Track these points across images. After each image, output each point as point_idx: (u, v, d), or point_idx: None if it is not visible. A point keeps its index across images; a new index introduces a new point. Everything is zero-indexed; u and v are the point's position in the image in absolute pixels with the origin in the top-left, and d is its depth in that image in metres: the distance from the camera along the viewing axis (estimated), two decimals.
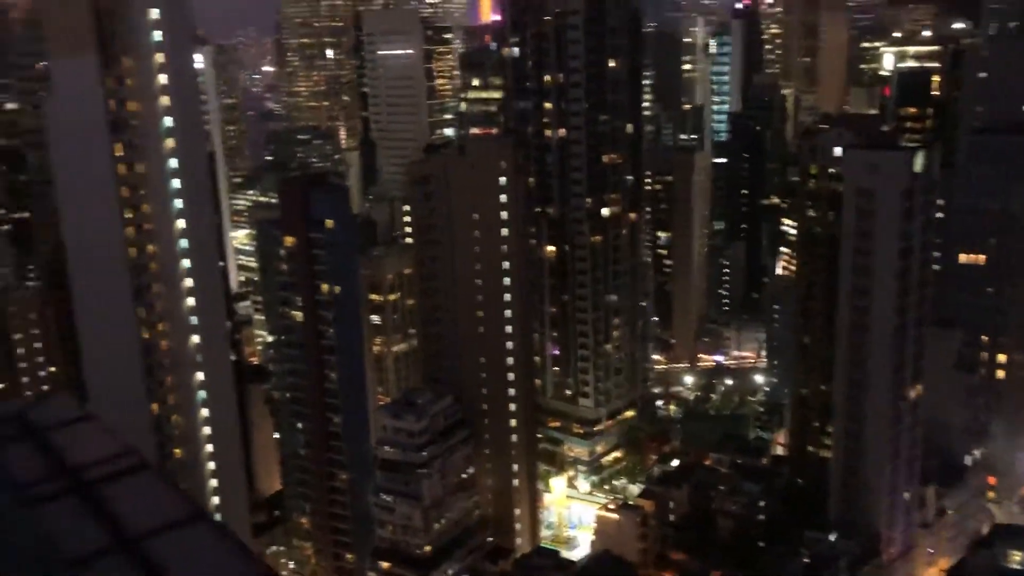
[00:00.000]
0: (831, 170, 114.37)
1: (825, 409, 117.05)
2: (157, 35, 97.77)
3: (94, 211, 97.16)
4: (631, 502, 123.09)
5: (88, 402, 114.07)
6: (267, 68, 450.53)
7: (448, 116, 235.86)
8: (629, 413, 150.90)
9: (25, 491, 3.48)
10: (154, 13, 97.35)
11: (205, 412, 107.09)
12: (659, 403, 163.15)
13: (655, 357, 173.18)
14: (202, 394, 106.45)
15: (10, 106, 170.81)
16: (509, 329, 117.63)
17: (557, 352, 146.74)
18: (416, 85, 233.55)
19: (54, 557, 3.09)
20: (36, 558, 2.90)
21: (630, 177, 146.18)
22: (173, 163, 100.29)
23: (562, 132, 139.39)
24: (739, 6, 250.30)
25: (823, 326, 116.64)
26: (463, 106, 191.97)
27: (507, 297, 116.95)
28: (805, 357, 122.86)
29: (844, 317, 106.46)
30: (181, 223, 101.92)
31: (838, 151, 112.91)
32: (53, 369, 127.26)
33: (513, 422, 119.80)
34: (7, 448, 3.66)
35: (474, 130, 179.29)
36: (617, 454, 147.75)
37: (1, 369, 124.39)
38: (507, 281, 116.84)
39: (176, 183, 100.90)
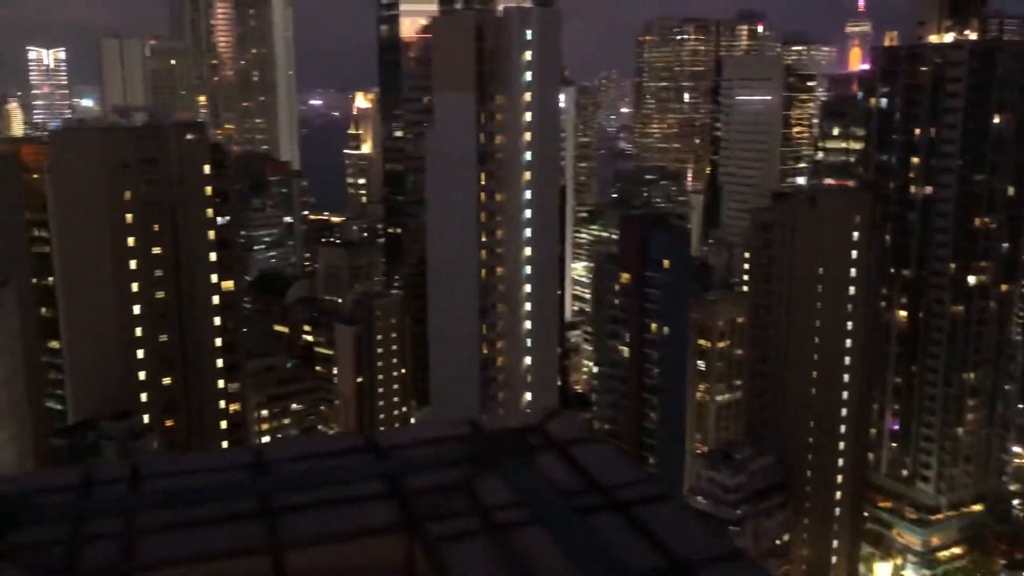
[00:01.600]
0: None
1: None
2: (528, 75, 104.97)
3: (456, 232, 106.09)
4: None
5: (429, 406, 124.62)
6: (624, 109, 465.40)
7: (801, 165, 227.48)
8: (976, 507, 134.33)
9: (569, 500, 3.71)
10: (528, 55, 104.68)
11: None
12: (1016, 502, 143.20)
13: (1016, 449, 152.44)
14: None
15: (398, 134, 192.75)
16: (845, 394, 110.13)
17: (897, 427, 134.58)
18: (771, 131, 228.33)
19: (619, 569, 3.23)
20: (603, 568, 3.05)
21: (1006, 244, 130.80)
22: (527, 195, 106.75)
23: (928, 189, 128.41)
24: None
25: None
26: (819, 155, 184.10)
27: (847, 360, 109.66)
28: None
29: None
30: (528, 251, 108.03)
31: None
32: (404, 371, 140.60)
33: (838, 494, 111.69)
34: (541, 458, 3.95)
35: (828, 181, 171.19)
36: (957, 550, 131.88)
37: (365, 366, 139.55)
38: (849, 342, 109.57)
39: (528, 213, 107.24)
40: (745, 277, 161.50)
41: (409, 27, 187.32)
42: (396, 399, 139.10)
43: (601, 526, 3.75)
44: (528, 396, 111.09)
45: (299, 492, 4.10)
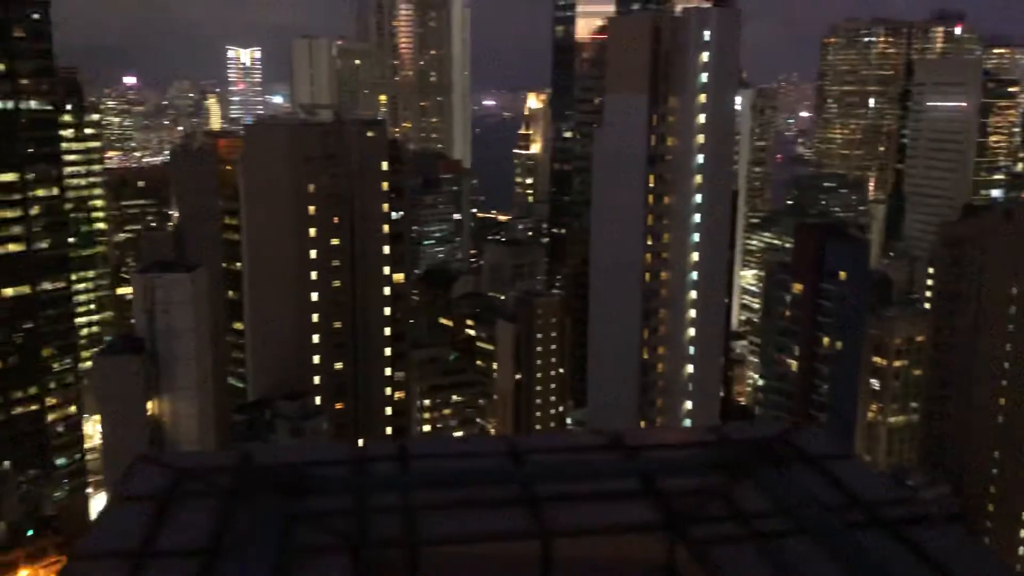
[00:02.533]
0: None
1: None
2: (704, 77, 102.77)
3: (621, 234, 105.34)
4: None
5: (585, 407, 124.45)
6: (803, 114, 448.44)
7: (997, 176, 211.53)
8: None
9: (831, 514, 3.76)
10: (704, 56, 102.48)
11: None
12: None
13: None
14: (687, 423, 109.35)
15: (567, 135, 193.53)
16: None
17: None
18: (965, 139, 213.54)
19: None
20: None
21: None
22: (698, 198, 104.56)
23: None
24: None
25: None
26: (1019, 166, 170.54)
27: None
28: None
29: None
30: (695, 256, 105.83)
31: None
32: (561, 370, 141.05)
33: None
34: (796, 471, 3.98)
35: None
36: None
37: (524, 363, 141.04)
38: None
39: (697, 218, 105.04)
40: (928, 294, 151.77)
41: (584, 28, 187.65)
42: (553, 398, 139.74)
43: (871, 543, 3.68)
44: (688, 404, 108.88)
45: (559, 483, 4.27)
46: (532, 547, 3.89)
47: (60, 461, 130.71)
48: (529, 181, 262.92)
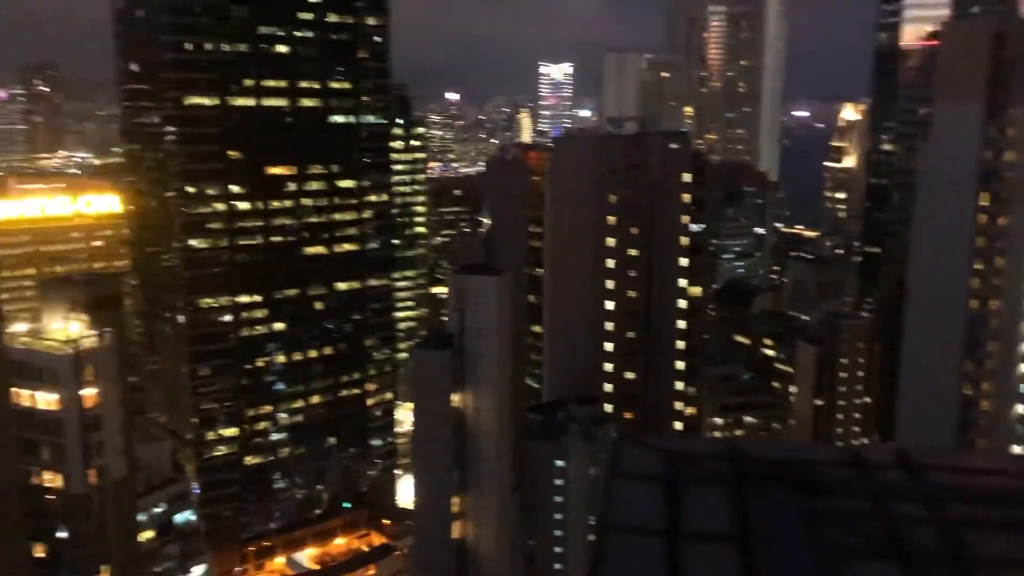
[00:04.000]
0: None
1: None
2: None
3: (945, 256, 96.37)
4: None
5: (892, 442, 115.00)
6: None
7: None
8: None
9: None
10: None
11: None
12: None
13: None
14: None
15: (886, 147, 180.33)
16: None
17: None
18: None
19: None
20: None
21: None
22: None
23: None
24: None
25: None
26: None
27: None
28: None
29: None
30: None
31: None
32: (867, 399, 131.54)
33: None
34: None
35: None
36: None
37: (825, 388, 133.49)
38: None
39: None
40: None
41: (911, 34, 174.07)
42: (856, 428, 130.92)
43: None
44: (1017, 449, 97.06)
45: None
46: None
47: (375, 442, 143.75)
48: (840, 196, 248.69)
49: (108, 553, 71.31)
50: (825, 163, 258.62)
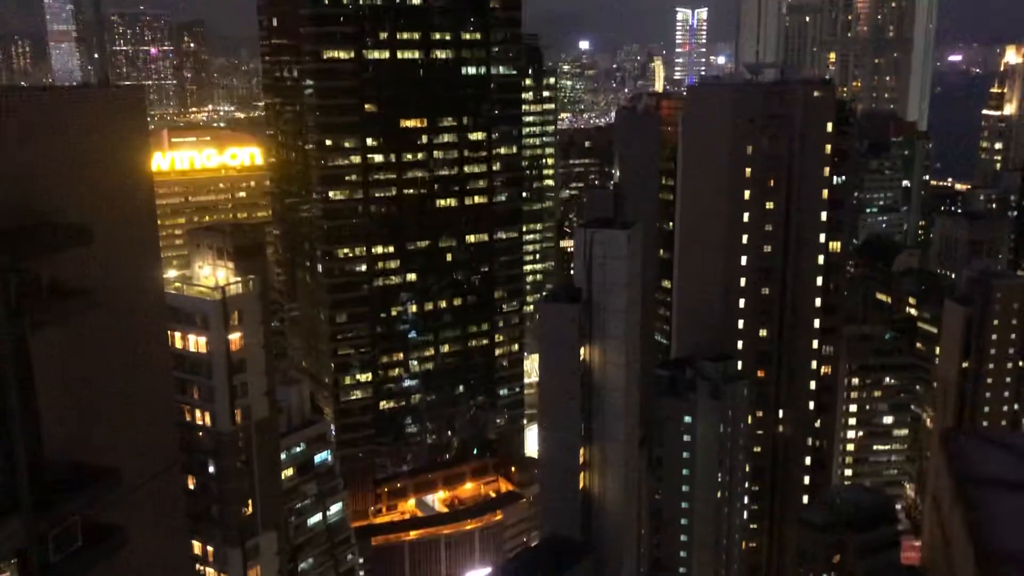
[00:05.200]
0: None
1: None
2: None
3: None
4: None
5: None
6: None
7: None
8: None
9: None
10: None
11: None
12: None
13: None
14: None
15: None
16: None
17: None
18: None
19: None
20: None
21: None
22: None
23: None
24: None
25: None
26: None
27: None
28: None
29: None
30: None
31: None
32: (1020, 363, 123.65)
33: None
34: None
35: None
36: None
37: (974, 351, 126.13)
38: None
39: None
40: None
41: None
42: (1006, 393, 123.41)
43: None
44: None
45: None
46: None
47: (503, 392, 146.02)
48: (998, 146, 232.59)
49: (252, 488, 75.46)
50: (983, 112, 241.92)
